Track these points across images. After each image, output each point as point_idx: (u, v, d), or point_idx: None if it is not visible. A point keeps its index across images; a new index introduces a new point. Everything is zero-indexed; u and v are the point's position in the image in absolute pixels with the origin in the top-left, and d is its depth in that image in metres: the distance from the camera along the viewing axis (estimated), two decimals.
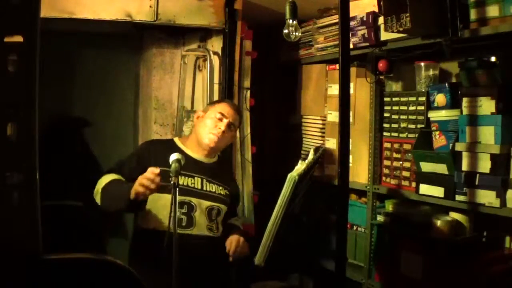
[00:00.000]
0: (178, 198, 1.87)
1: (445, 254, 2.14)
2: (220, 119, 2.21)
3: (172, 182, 1.74)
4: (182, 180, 2.08)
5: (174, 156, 1.86)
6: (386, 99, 2.57)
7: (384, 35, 2.41)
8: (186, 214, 2.08)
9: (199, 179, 2.16)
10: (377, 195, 2.63)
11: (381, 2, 2.17)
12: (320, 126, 3.00)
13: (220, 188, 2.24)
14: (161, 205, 2.04)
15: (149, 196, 1.95)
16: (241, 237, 2.14)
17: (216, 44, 2.82)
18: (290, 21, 2.24)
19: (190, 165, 2.10)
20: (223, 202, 2.22)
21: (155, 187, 1.87)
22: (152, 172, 1.87)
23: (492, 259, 2.06)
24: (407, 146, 2.43)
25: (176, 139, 2.33)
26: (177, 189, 1.73)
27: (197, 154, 2.23)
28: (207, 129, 2.20)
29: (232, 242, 2.11)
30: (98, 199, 2.06)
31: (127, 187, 1.94)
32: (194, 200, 2.11)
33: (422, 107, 2.36)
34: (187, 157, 2.07)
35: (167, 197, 1.91)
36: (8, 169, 0.84)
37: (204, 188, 2.17)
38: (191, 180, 2.14)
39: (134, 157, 2.19)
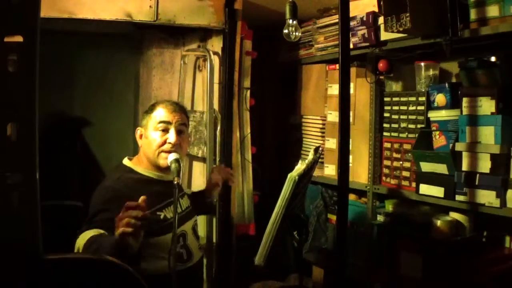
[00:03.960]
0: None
1: (445, 254, 2.14)
2: (165, 130, 1.89)
3: (175, 182, 1.68)
4: (169, 213, 1.86)
5: (172, 156, 1.81)
6: (386, 99, 2.57)
7: (384, 35, 2.41)
8: (184, 247, 1.89)
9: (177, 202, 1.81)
10: (377, 195, 2.63)
11: (381, 2, 2.17)
12: (320, 126, 3.00)
13: (186, 196, 2.07)
14: (161, 248, 1.79)
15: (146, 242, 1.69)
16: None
17: (216, 44, 2.82)
18: (290, 21, 2.24)
19: (162, 190, 1.88)
20: (194, 211, 2.07)
21: (143, 221, 1.48)
22: (129, 205, 1.49)
23: (492, 259, 2.06)
24: (407, 146, 2.43)
25: (127, 162, 1.96)
26: (177, 190, 1.66)
27: (158, 172, 1.93)
28: (155, 148, 1.87)
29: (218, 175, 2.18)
30: None
31: (111, 237, 1.57)
32: (184, 228, 1.91)
33: (422, 107, 2.36)
34: (153, 181, 1.89)
35: (166, 238, 1.77)
36: (8, 169, 0.84)
37: (183, 208, 1.98)
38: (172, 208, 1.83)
39: (104, 204, 1.77)
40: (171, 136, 1.87)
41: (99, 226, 1.67)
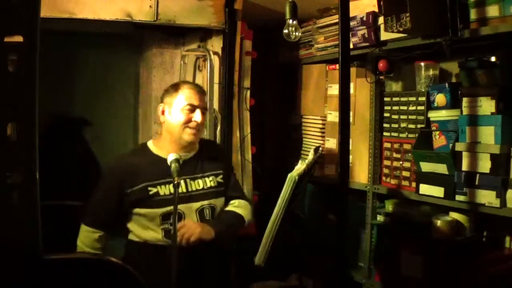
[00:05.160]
0: (165, 209, 1.90)
1: (445, 254, 2.14)
2: (192, 110, 2.01)
3: (175, 182, 1.71)
4: (163, 190, 1.95)
5: (172, 157, 1.83)
6: (386, 99, 2.57)
7: (384, 35, 2.41)
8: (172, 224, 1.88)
9: (182, 181, 1.93)
10: (377, 195, 2.63)
11: (381, 2, 2.17)
12: (320, 126, 3.01)
13: (210, 179, 2.08)
14: (149, 219, 1.94)
15: (135, 211, 1.94)
16: (193, 223, 1.94)
17: (216, 44, 2.82)
18: (290, 21, 2.23)
19: (167, 168, 1.88)
20: (216, 195, 2.07)
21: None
22: None
23: (492, 259, 2.06)
24: (407, 146, 2.43)
25: (149, 143, 2.11)
26: (177, 189, 1.70)
27: (174, 153, 1.96)
28: (180, 124, 1.99)
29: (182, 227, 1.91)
30: None
31: None
32: (180, 207, 1.90)
33: (422, 107, 2.36)
34: (160, 160, 1.95)
35: (154, 211, 1.92)
36: (8, 169, 0.84)
37: (189, 189, 2.01)
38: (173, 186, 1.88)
39: (106, 195, 1.97)
40: (197, 116, 2.00)
41: (97, 222, 1.92)
